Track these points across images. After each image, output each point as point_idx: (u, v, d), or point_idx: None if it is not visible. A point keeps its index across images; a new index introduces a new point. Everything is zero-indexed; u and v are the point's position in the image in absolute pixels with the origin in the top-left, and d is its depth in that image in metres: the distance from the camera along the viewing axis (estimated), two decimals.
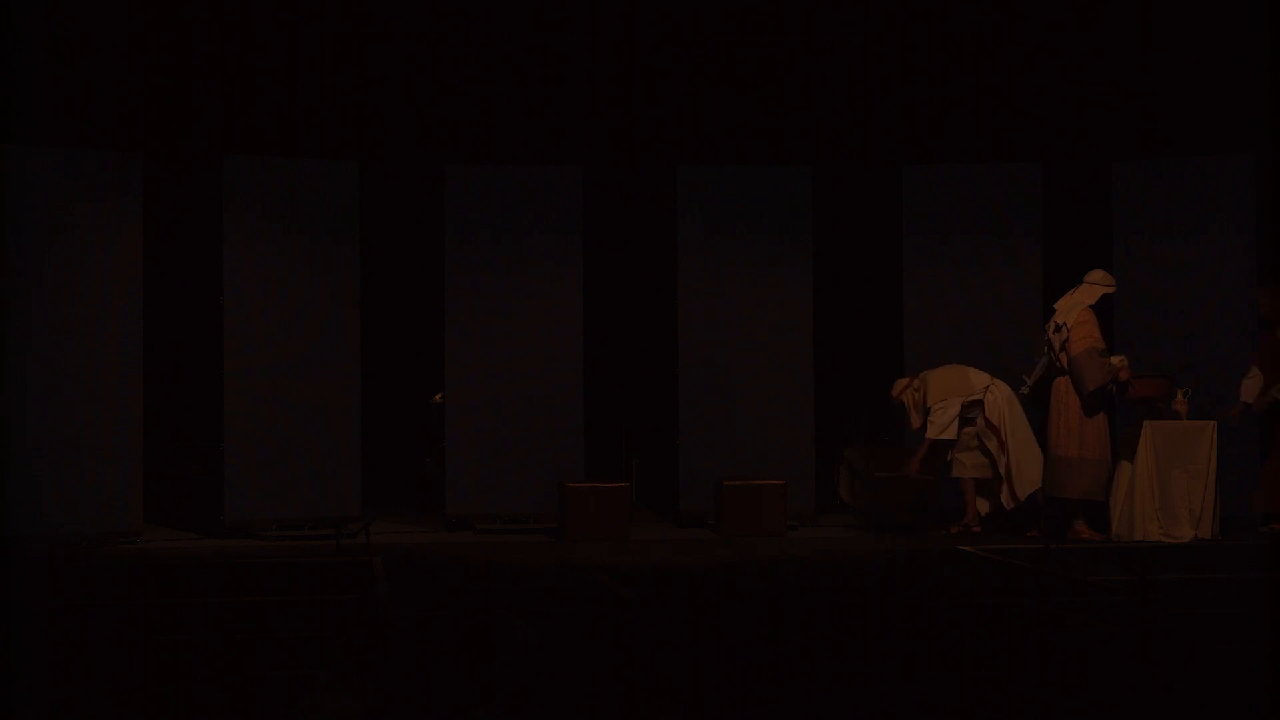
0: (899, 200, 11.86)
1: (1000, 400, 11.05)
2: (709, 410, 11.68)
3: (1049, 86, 11.96)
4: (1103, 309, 10.69)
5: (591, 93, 12.13)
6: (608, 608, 7.86)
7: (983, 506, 11.23)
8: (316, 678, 5.70)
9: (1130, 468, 10.50)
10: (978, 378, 11.12)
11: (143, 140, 11.07)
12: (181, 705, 5.54)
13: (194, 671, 6.07)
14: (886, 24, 11.60)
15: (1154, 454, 10.48)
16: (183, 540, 10.83)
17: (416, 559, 9.80)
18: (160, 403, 11.35)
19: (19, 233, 10.28)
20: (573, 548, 10.42)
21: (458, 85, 11.93)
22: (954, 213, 11.78)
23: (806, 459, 11.66)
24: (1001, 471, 11.06)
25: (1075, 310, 10.52)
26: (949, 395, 11.03)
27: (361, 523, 10.71)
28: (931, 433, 11.02)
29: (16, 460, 10.15)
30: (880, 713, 5.54)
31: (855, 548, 10.40)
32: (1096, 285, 10.62)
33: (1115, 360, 10.48)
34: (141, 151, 10.81)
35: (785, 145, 12.32)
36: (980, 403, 11.07)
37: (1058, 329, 10.57)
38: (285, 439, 11.05)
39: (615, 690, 5.79)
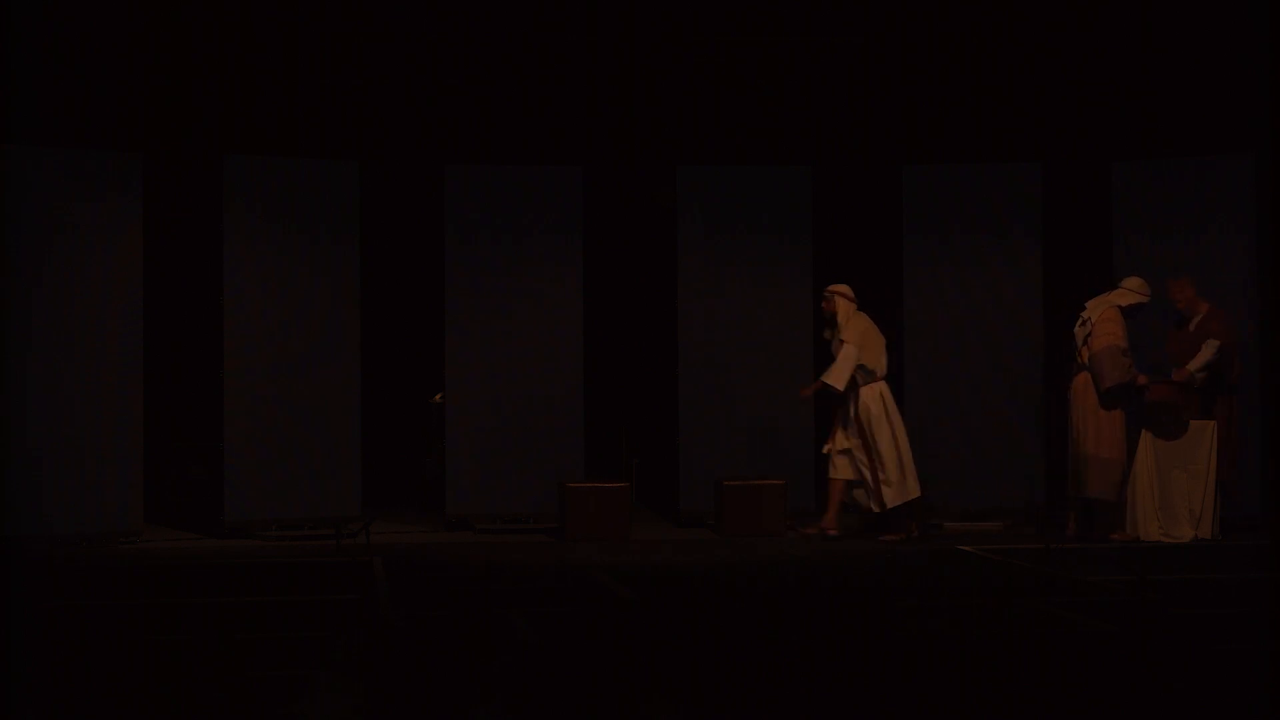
0: (899, 200, 11.85)
1: (871, 399, 10.71)
2: (709, 410, 11.68)
3: (1049, 86, 11.95)
4: (1133, 315, 10.62)
5: (591, 93, 12.12)
6: (608, 608, 7.86)
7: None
8: (316, 678, 5.70)
9: (1131, 468, 10.50)
10: (881, 360, 10.81)
11: (143, 140, 11.07)
12: (181, 705, 5.54)
13: (194, 671, 6.07)
14: (886, 24, 11.60)
15: (1154, 454, 10.48)
16: (183, 540, 10.82)
17: (416, 559, 9.80)
18: (160, 403, 11.35)
19: (19, 233, 10.28)
20: (573, 548, 10.42)
21: (458, 85, 11.93)
22: (954, 213, 11.78)
23: (806, 459, 11.66)
24: (868, 475, 10.73)
25: (1103, 307, 10.52)
26: (859, 343, 10.69)
27: (361, 523, 10.71)
28: (830, 377, 10.69)
29: (16, 460, 10.15)
30: (880, 713, 5.54)
31: (855, 548, 10.40)
32: (1131, 291, 10.61)
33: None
34: (141, 151, 10.81)
35: (785, 145, 12.31)
36: (858, 392, 10.72)
37: (1083, 324, 10.57)
38: (285, 439, 11.05)
39: (615, 690, 5.79)
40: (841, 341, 10.74)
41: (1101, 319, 10.47)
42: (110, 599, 8.15)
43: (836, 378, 10.71)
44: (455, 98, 12.01)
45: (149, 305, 10.71)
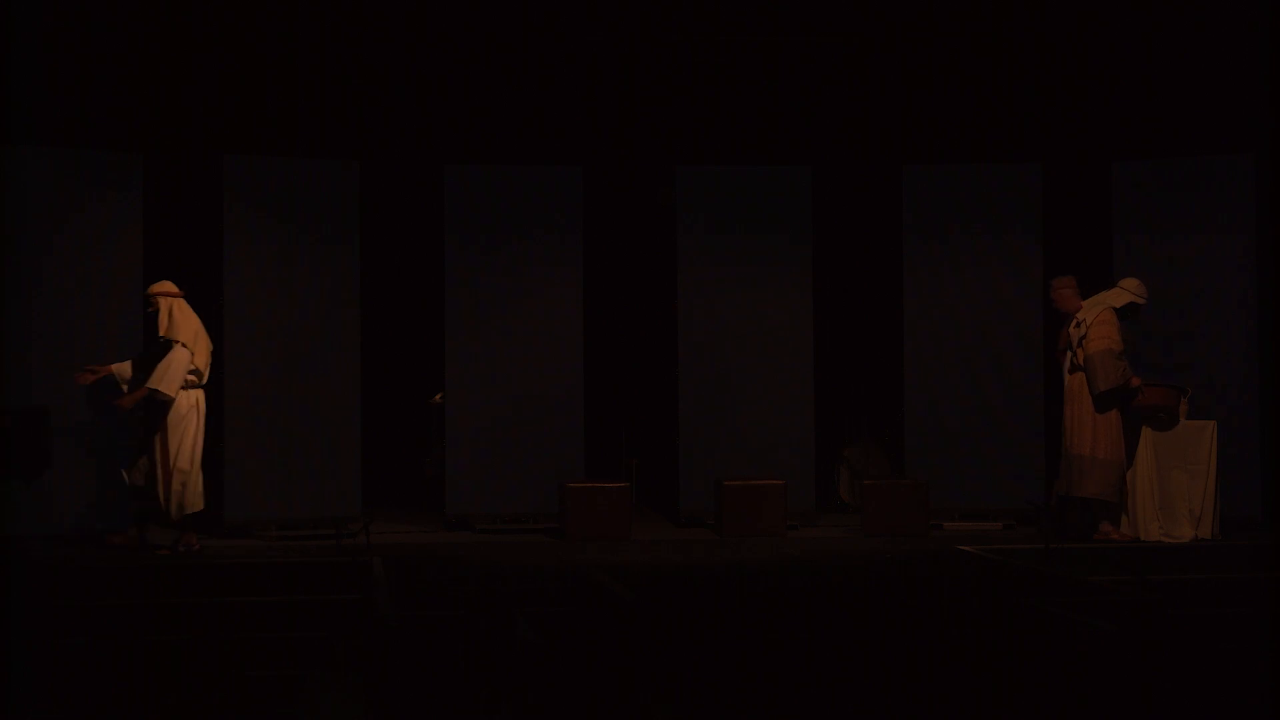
0: (899, 200, 11.85)
1: (187, 404, 9.98)
2: (709, 410, 11.68)
3: (1049, 86, 11.95)
4: (1128, 315, 10.62)
5: (591, 93, 12.12)
6: (608, 608, 7.86)
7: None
8: (315, 678, 5.70)
9: (1131, 468, 10.51)
10: (207, 364, 10.09)
11: (143, 140, 11.07)
12: (181, 705, 5.54)
13: (194, 671, 6.08)
14: (887, 24, 11.60)
15: (1154, 454, 10.49)
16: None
17: (416, 559, 9.80)
18: None
19: (19, 233, 10.28)
20: (573, 548, 10.42)
21: (458, 85, 11.93)
22: (954, 213, 11.77)
23: (806, 459, 11.66)
24: (160, 480, 9.92)
25: (1098, 309, 10.51)
26: (192, 345, 9.95)
27: (361, 523, 10.71)
28: (162, 384, 9.79)
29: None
30: (880, 713, 5.54)
31: (855, 548, 10.40)
32: (1127, 291, 10.60)
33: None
34: (141, 152, 10.81)
35: (785, 145, 12.31)
36: (165, 399, 9.89)
37: (1078, 325, 10.56)
38: (285, 439, 11.05)
39: (615, 690, 5.79)
40: (174, 342, 9.88)
41: (1097, 321, 10.47)
42: (110, 599, 8.15)
43: (169, 384, 9.82)
44: (455, 98, 12.01)
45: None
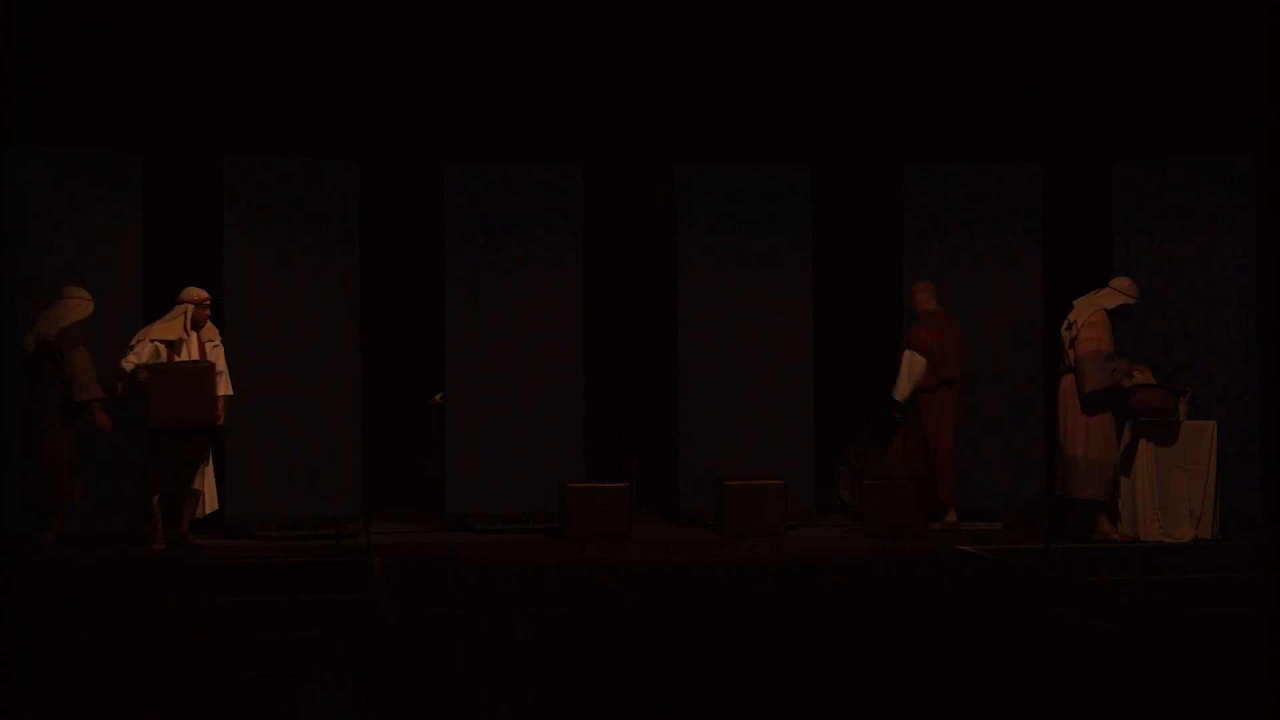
0: (899, 200, 11.85)
1: None
2: (709, 410, 11.68)
3: (1049, 86, 11.95)
4: (1120, 315, 10.62)
5: (591, 93, 12.12)
6: (608, 608, 7.86)
7: None
8: (315, 678, 5.70)
9: (1130, 468, 10.51)
10: None
11: (143, 140, 11.07)
12: (181, 705, 5.55)
13: (193, 671, 6.08)
14: (887, 24, 11.59)
15: (1154, 454, 10.48)
16: None
17: (416, 559, 9.80)
18: None
19: (19, 233, 10.28)
20: (573, 548, 10.42)
21: (458, 85, 11.93)
22: (954, 213, 11.77)
23: (806, 459, 11.66)
24: (209, 482, 10.35)
25: (1089, 310, 10.51)
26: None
27: (361, 523, 10.71)
28: (227, 387, 10.37)
29: (17, 460, 10.15)
30: (880, 713, 5.54)
31: (855, 548, 10.40)
32: (1119, 292, 10.60)
33: (1124, 364, 10.46)
34: (141, 152, 10.81)
35: (785, 145, 12.31)
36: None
37: (1069, 326, 10.56)
38: (285, 439, 11.05)
39: (616, 690, 5.79)
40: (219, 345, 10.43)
41: (1088, 323, 10.47)
42: (110, 599, 8.15)
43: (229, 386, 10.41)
44: (455, 98, 12.01)
45: (148, 306, 10.70)
